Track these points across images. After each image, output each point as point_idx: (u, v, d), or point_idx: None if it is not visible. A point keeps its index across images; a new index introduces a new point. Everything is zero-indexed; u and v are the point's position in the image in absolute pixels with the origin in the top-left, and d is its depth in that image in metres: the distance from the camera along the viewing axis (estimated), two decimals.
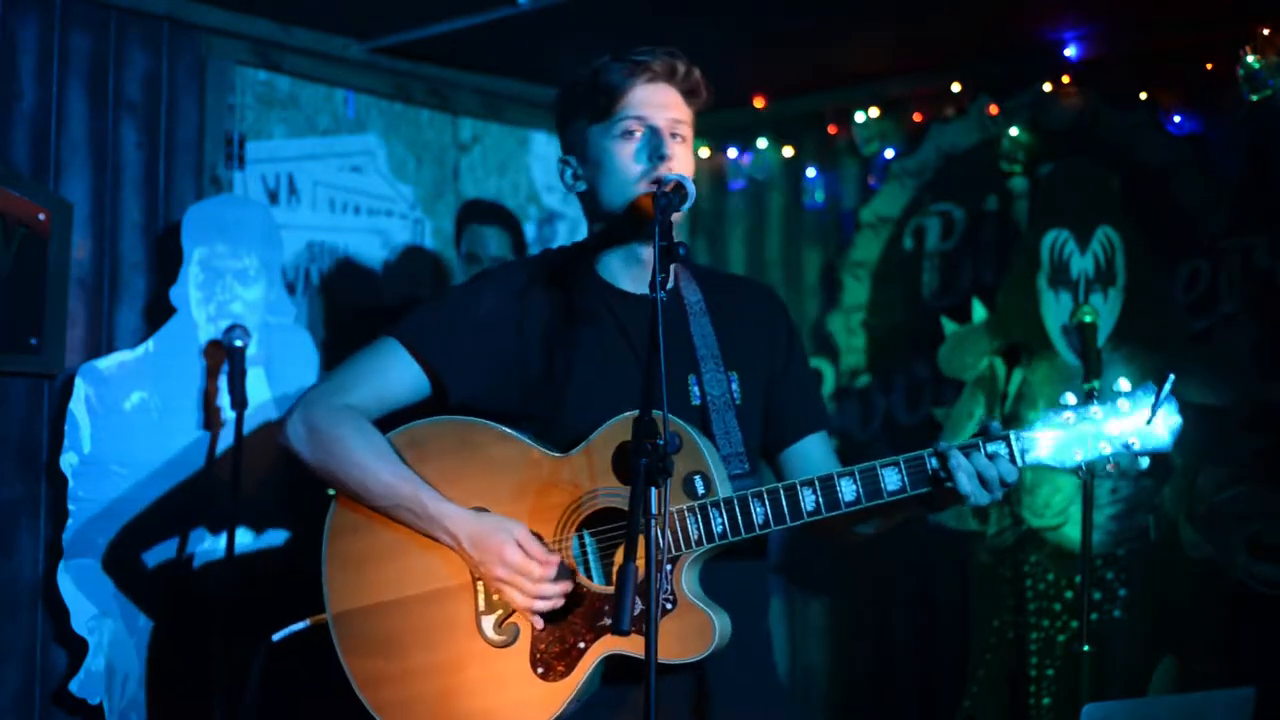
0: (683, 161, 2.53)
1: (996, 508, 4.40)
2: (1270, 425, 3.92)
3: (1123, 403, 2.31)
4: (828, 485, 2.34)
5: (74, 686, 3.59)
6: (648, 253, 2.54)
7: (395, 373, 2.60)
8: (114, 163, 3.81)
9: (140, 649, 3.68)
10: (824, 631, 4.86)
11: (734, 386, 2.57)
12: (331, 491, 2.63)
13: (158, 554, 3.71)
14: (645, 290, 2.53)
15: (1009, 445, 2.30)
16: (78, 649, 3.60)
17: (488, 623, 2.49)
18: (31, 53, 3.66)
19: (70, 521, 3.59)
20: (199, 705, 3.66)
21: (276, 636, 2.73)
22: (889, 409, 4.71)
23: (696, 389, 2.55)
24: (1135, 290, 4.21)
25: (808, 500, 2.34)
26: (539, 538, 2.47)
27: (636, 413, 2.22)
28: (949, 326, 4.57)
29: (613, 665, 2.44)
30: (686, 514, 2.37)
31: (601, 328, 2.56)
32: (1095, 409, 2.31)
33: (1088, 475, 2.37)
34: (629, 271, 2.59)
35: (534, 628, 2.45)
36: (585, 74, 2.58)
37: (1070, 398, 2.35)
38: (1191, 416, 3.98)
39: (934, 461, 2.31)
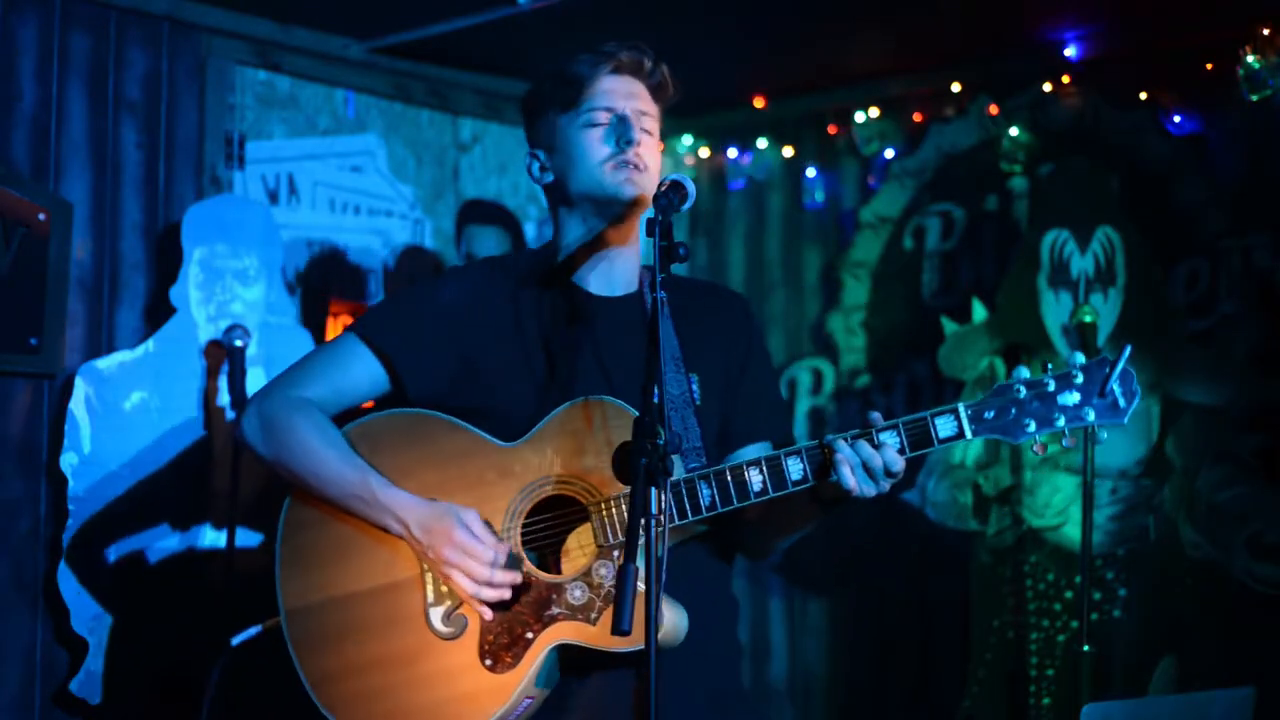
0: (650, 151, 2.53)
1: (996, 507, 4.40)
2: (1270, 425, 3.92)
3: (1076, 375, 2.27)
4: (774, 464, 2.34)
5: (74, 686, 3.59)
6: (615, 251, 2.56)
7: (353, 367, 2.59)
8: (114, 163, 3.81)
9: (141, 649, 3.67)
10: (823, 631, 4.86)
11: (694, 387, 2.56)
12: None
13: (158, 554, 3.71)
14: (611, 290, 2.57)
15: (900, 434, 2.29)
16: (78, 649, 3.60)
17: (436, 614, 2.46)
18: (31, 53, 3.66)
19: (70, 521, 3.59)
20: (200, 704, 3.66)
21: (235, 640, 2.69)
22: (889, 409, 4.70)
23: (656, 386, 2.54)
24: (1135, 290, 4.21)
25: (755, 481, 2.34)
26: (489, 527, 2.45)
27: (581, 400, 2.35)
28: (949, 326, 4.57)
29: (569, 659, 2.42)
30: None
31: (564, 327, 2.55)
32: (1048, 381, 2.27)
33: (1041, 450, 2.33)
34: (595, 270, 2.58)
35: (482, 618, 2.43)
36: (552, 68, 2.58)
37: (1024, 371, 2.31)
38: (1191, 416, 4.04)
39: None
